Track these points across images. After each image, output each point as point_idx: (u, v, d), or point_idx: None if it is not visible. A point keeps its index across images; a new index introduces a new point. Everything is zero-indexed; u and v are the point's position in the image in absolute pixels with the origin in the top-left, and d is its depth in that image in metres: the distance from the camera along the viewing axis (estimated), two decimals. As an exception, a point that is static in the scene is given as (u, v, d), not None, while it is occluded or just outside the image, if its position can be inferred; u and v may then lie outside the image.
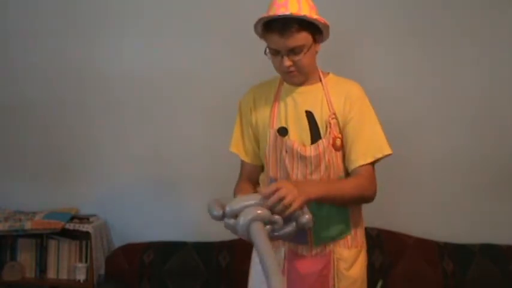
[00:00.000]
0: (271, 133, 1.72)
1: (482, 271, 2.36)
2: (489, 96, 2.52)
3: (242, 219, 1.43)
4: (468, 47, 2.51)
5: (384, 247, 2.42)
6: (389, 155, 1.69)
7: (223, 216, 1.50)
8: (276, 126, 1.72)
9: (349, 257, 1.74)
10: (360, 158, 1.66)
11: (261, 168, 1.84)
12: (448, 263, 2.39)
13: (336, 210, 1.70)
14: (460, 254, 2.41)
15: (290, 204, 1.43)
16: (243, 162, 1.85)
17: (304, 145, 1.68)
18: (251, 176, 1.84)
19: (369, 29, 2.54)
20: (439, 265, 2.38)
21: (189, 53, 2.65)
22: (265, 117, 1.75)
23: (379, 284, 1.61)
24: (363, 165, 1.66)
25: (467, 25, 2.51)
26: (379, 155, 1.67)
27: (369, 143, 1.67)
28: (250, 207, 1.44)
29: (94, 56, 2.72)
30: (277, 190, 1.44)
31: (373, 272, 2.36)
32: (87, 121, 2.74)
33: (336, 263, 1.72)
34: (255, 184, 1.82)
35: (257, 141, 1.80)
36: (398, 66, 2.55)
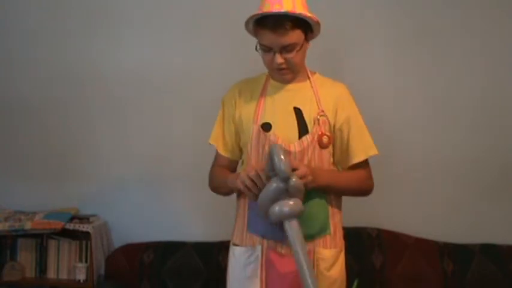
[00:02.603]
0: (255, 128, 1.71)
1: (482, 271, 2.36)
2: (489, 96, 2.52)
3: (278, 210, 1.50)
4: (468, 46, 2.51)
5: (384, 247, 2.42)
6: (375, 155, 1.78)
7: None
8: (260, 121, 1.72)
9: (330, 257, 1.72)
10: (356, 155, 1.73)
11: (236, 164, 1.87)
12: (448, 263, 2.39)
13: (316, 208, 1.70)
14: (460, 254, 2.41)
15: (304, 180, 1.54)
16: (218, 155, 1.86)
17: (288, 140, 1.68)
18: (227, 168, 1.86)
19: (368, 29, 2.54)
20: (439, 265, 2.38)
21: (189, 53, 2.65)
22: (249, 113, 1.75)
23: (355, 283, 1.60)
24: (360, 162, 1.74)
25: (467, 25, 2.51)
26: (371, 153, 1.76)
27: (363, 141, 1.75)
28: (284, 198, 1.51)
29: (93, 55, 2.71)
30: (302, 167, 1.55)
31: (373, 272, 2.37)
32: (87, 121, 2.74)
33: (316, 262, 1.70)
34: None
35: (238, 136, 1.81)
36: (398, 66, 2.55)
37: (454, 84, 2.53)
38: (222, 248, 2.50)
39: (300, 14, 1.58)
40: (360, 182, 1.76)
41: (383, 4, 2.53)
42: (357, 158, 1.73)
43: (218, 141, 1.85)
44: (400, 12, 2.53)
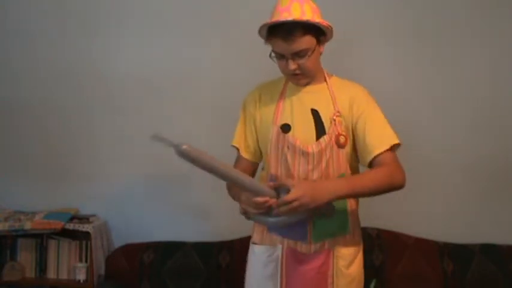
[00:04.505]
0: (274, 129, 1.74)
1: (482, 271, 2.36)
2: (490, 96, 2.52)
3: None
4: (469, 46, 2.51)
5: (383, 247, 2.42)
6: (399, 145, 1.70)
7: None
8: (280, 123, 1.74)
9: (349, 255, 1.75)
10: (376, 147, 1.67)
11: (257, 166, 1.88)
12: (448, 263, 2.39)
13: (336, 207, 1.71)
14: (460, 254, 2.41)
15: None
16: (239, 157, 1.87)
17: (307, 142, 1.70)
18: (245, 172, 1.83)
19: (369, 29, 2.54)
20: (439, 265, 2.39)
21: (189, 53, 2.64)
22: (269, 114, 1.77)
23: (373, 283, 1.62)
24: (382, 153, 1.66)
25: (467, 25, 2.51)
26: (393, 142, 1.68)
27: (382, 132, 1.70)
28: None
29: (93, 55, 2.71)
30: (294, 201, 1.50)
31: (373, 272, 2.37)
32: (87, 121, 2.74)
33: (335, 260, 1.74)
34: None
35: (258, 138, 1.82)
36: (398, 66, 2.55)
37: (454, 84, 2.52)
38: (222, 248, 2.51)
39: (307, 20, 1.60)
40: (384, 179, 1.63)
41: (383, 4, 2.53)
42: (374, 152, 1.66)
43: (240, 143, 1.86)
44: (400, 12, 2.53)
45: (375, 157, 1.67)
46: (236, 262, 2.43)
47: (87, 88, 2.73)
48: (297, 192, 1.50)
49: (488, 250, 2.42)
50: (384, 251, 2.41)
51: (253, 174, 1.88)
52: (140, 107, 2.70)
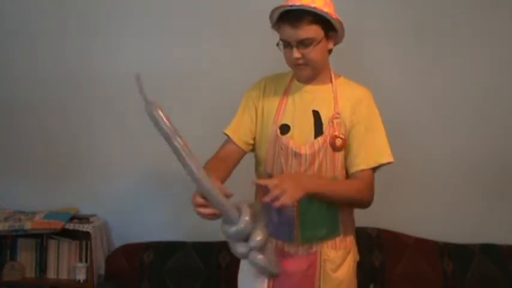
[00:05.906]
0: (273, 129, 1.73)
1: (482, 271, 2.36)
2: (490, 96, 2.52)
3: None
4: (469, 46, 2.51)
5: (384, 247, 2.42)
6: (391, 163, 1.71)
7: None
8: (281, 122, 1.73)
9: (336, 258, 1.73)
10: (362, 162, 1.67)
11: (243, 154, 1.82)
12: (448, 263, 2.39)
13: (326, 210, 1.70)
14: (460, 254, 2.41)
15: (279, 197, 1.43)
16: (229, 143, 1.81)
17: (304, 143, 1.69)
18: (228, 159, 1.79)
19: (369, 29, 2.54)
20: (439, 265, 2.39)
21: (189, 53, 2.64)
22: (271, 109, 1.76)
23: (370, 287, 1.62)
24: (364, 170, 1.67)
25: (467, 25, 2.51)
26: (382, 161, 1.69)
27: (374, 148, 1.69)
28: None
29: (93, 55, 2.71)
30: (277, 185, 1.44)
31: (373, 272, 2.37)
32: (87, 121, 2.74)
33: (322, 263, 1.72)
34: (228, 168, 1.78)
35: (256, 128, 1.80)
36: (398, 66, 2.55)
37: (454, 84, 2.53)
38: (222, 248, 2.50)
39: (315, 8, 1.59)
40: (355, 193, 1.66)
41: (383, 4, 2.53)
42: (360, 166, 1.67)
43: (234, 131, 1.81)
44: (400, 12, 2.53)
45: (356, 171, 1.68)
46: (236, 262, 2.40)
47: (87, 88, 2.72)
48: (279, 179, 1.49)
49: (488, 250, 2.42)
50: (384, 251, 2.41)
51: (237, 161, 1.81)
52: (140, 107, 2.69)
